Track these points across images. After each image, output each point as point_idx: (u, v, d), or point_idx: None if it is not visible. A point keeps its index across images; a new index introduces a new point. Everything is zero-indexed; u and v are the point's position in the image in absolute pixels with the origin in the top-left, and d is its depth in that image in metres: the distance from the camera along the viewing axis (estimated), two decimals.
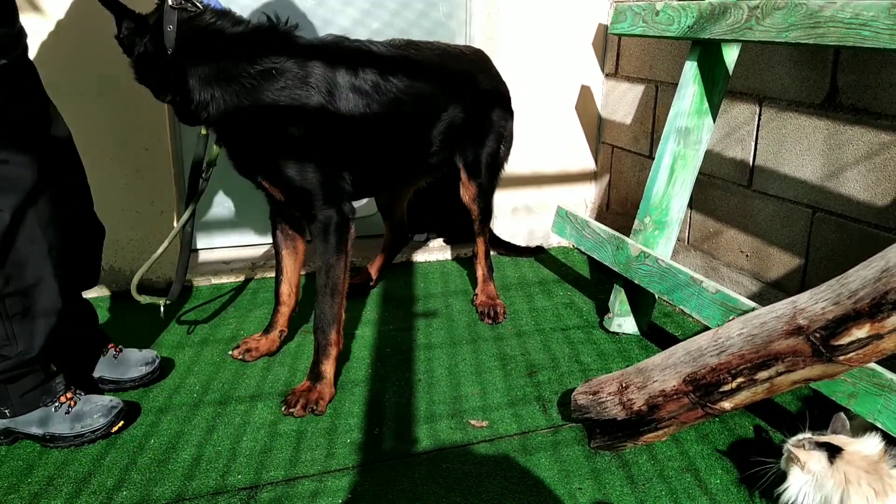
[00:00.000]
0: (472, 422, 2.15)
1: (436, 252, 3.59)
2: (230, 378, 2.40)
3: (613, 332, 2.71)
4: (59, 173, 2.04)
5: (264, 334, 2.58)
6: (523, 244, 3.65)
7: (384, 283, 3.24)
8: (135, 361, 2.35)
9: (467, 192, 2.81)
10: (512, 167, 3.55)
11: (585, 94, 3.58)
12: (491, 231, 3.57)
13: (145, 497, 1.81)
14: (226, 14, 2.17)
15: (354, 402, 2.26)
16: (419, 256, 3.55)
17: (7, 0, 1.85)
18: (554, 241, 3.73)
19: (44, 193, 1.92)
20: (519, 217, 3.65)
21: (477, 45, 3.55)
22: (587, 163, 3.70)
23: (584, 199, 3.76)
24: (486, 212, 2.91)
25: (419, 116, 2.48)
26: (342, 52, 2.27)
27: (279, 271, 2.55)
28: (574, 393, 2.04)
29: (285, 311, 2.57)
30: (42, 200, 1.91)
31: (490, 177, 2.83)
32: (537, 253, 3.60)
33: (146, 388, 2.33)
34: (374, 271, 3.21)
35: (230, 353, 2.55)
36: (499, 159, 2.86)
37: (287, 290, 2.56)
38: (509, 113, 2.87)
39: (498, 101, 2.80)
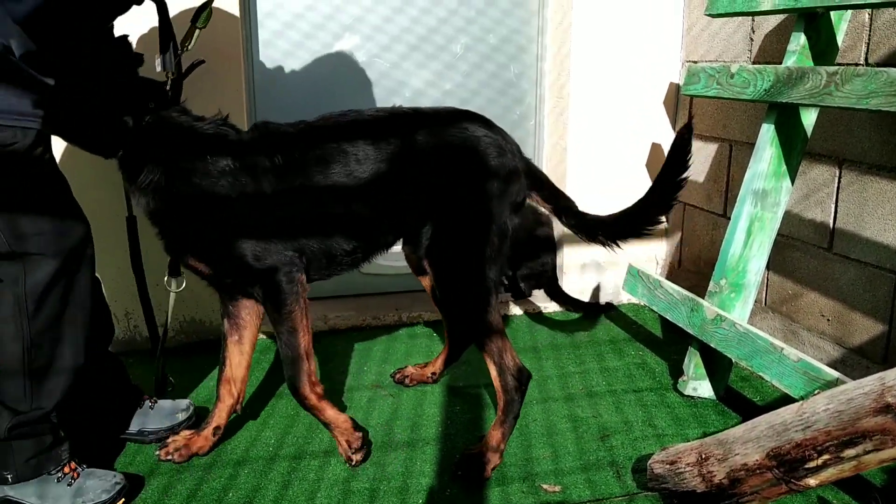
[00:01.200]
0: (545, 486, 2.13)
1: (502, 307, 3.60)
2: (304, 432, 2.44)
3: (688, 396, 2.66)
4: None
5: (197, 432, 2.32)
6: (591, 301, 3.63)
7: None
8: (171, 410, 2.42)
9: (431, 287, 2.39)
10: None
11: (656, 151, 3.58)
12: (557, 286, 3.58)
13: None
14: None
15: (426, 462, 2.27)
16: None
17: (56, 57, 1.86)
18: (624, 297, 3.70)
19: (84, 252, 1.99)
20: (588, 273, 3.64)
21: (548, 104, 3.60)
22: None
23: (654, 255, 3.73)
24: (470, 317, 2.21)
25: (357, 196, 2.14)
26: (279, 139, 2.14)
27: (221, 363, 2.32)
28: (650, 461, 2.01)
29: (223, 407, 2.32)
30: (83, 259, 1.98)
31: (463, 272, 2.18)
32: (605, 311, 3.57)
33: (227, 441, 2.38)
34: (438, 367, 2.81)
35: (157, 452, 2.28)
36: (473, 251, 2.17)
37: (227, 389, 2.32)
38: (486, 192, 2.18)
39: (468, 181, 2.18)
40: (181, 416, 2.42)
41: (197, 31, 2.30)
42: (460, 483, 2.15)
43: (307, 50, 3.31)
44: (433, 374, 2.78)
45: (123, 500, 2.03)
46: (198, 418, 2.45)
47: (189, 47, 2.27)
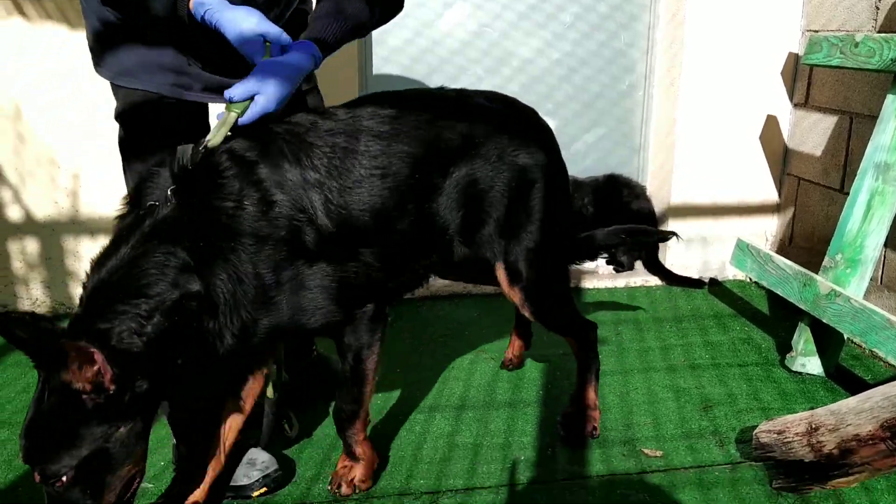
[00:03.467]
0: (646, 450, 2.15)
1: (605, 279, 3.60)
2: (408, 391, 2.54)
3: (796, 372, 2.61)
4: None
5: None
6: (696, 276, 3.58)
7: None
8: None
9: (515, 300, 2.11)
10: (688, 197, 3.52)
11: (771, 123, 3.48)
12: (657, 260, 3.55)
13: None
14: None
15: (527, 422, 2.33)
16: (587, 283, 3.58)
17: None
18: (729, 273, 3.63)
19: None
20: (693, 248, 3.59)
21: (657, 75, 3.55)
22: (769, 194, 3.58)
23: (764, 231, 3.63)
24: (554, 316, 2.19)
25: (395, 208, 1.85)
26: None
27: None
28: (756, 431, 2.00)
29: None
30: None
31: (542, 274, 2.09)
32: (701, 285, 3.51)
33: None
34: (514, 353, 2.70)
35: None
36: (549, 250, 2.09)
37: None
38: (556, 183, 2.11)
39: (537, 171, 2.04)
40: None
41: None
42: (562, 442, 2.20)
43: (415, 18, 3.37)
44: (511, 359, 2.67)
45: (265, 489, 1.96)
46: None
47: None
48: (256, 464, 1.96)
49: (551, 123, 3.60)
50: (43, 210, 3.12)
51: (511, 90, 3.49)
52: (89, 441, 1.43)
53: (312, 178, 1.71)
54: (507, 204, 2.00)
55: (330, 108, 1.89)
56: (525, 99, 3.22)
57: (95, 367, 1.38)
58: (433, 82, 3.44)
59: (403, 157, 1.83)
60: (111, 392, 1.42)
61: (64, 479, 1.41)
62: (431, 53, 3.42)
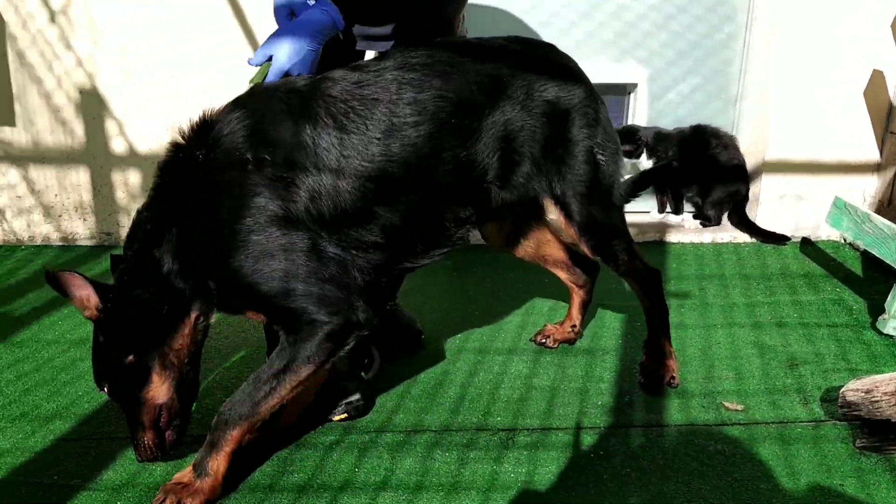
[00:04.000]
0: (726, 404, 2.13)
1: (690, 234, 3.53)
2: (489, 332, 2.58)
3: (888, 335, 2.52)
4: None
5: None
6: (789, 234, 3.47)
7: None
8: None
9: (571, 234, 2.10)
10: (784, 152, 3.40)
11: (876, 79, 3.30)
12: (744, 215, 3.45)
13: (419, 423, 2.04)
14: None
15: (605, 369, 2.34)
16: (672, 237, 3.52)
17: None
18: (822, 234, 3.50)
19: None
20: (787, 205, 3.47)
21: (758, 24, 3.41)
22: (870, 153, 3.42)
23: (862, 191, 3.48)
24: (613, 248, 2.12)
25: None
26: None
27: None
28: (843, 389, 1.95)
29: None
30: None
31: (595, 204, 2.06)
32: (785, 241, 3.41)
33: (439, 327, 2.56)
34: (576, 319, 2.53)
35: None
36: (603, 182, 2.07)
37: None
38: (591, 112, 2.05)
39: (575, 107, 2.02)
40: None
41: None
42: (641, 389, 2.21)
43: None
44: (573, 327, 2.51)
45: (346, 415, 2.05)
46: None
47: None
48: (341, 391, 2.04)
49: (643, 72, 3.54)
50: (145, 144, 3.27)
51: (603, 37, 3.44)
52: (108, 365, 1.71)
53: (324, 135, 1.72)
54: (543, 140, 1.97)
55: (360, 62, 1.90)
56: (618, 46, 3.16)
57: (83, 293, 1.67)
58: (523, 27, 3.40)
59: (437, 102, 1.81)
60: (100, 319, 1.69)
61: (105, 390, 1.73)
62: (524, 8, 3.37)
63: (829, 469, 1.84)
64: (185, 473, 1.74)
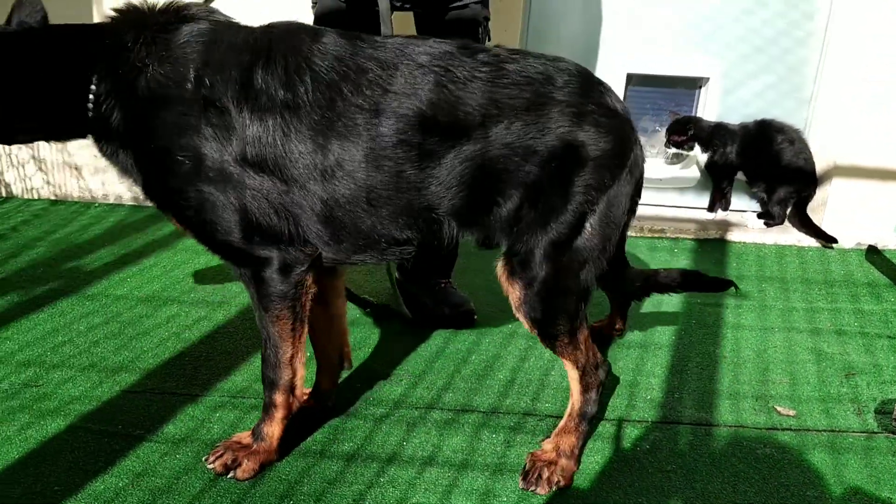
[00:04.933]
0: (779, 408, 2.11)
1: (753, 234, 3.47)
2: None
3: None
4: None
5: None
6: (854, 241, 3.38)
7: (693, 257, 3.24)
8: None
9: (511, 294, 1.75)
10: (855, 157, 3.32)
11: None
12: (806, 216, 3.38)
13: (468, 402, 2.07)
14: None
15: (657, 364, 2.33)
16: (734, 235, 3.47)
17: None
18: (890, 243, 3.40)
19: None
20: (854, 210, 3.38)
21: (839, 24, 3.31)
22: None
23: None
24: (552, 325, 1.75)
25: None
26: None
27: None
28: None
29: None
30: None
31: (553, 274, 1.69)
32: (833, 242, 3.35)
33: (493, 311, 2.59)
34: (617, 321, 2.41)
35: None
36: (574, 249, 1.69)
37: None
38: (611, 173, 1.69)
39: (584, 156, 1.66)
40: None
41: None
42: (688, 390, 2.20)
43: None
44: (618, 329, 2.40)
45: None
46: None
47: None
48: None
49: (716, 65, 3.47)
50: None
51: (674, 27, 3.38)
52: None
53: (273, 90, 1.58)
54: (539, 187, 1.66)
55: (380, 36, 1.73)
56: (687, 37, 3.08)
57: None
58: (592, 15, 3.37)
59: (406, 104, 1.61)
60: None
61: None
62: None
63: (878, 481, 1.81)
64: (244, 435, 1.81)
